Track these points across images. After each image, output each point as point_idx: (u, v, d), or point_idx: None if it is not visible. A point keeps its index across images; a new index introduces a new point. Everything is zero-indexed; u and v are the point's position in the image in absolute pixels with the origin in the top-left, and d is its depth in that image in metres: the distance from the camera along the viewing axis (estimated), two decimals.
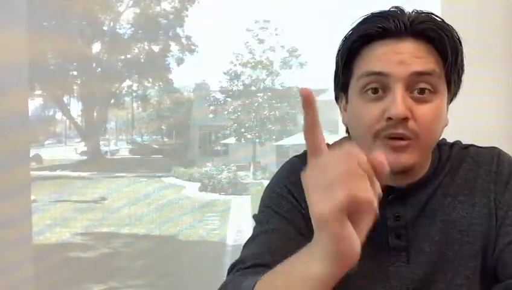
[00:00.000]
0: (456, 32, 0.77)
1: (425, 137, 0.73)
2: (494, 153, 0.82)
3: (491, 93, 1.84)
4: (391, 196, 0.79)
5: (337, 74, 0.81)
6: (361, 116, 0.75)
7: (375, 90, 0.73)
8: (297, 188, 0.78)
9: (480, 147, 0.84)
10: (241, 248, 0.81)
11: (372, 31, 0.74)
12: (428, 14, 0.75)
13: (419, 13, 0.75)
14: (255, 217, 0.84)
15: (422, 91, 0.73)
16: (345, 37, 0.79)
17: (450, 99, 0.81)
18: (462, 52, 0.77)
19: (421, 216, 0.79)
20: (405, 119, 0.71)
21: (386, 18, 0.74)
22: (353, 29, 0.77)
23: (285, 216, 0.79)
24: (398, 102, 0.70)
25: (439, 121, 0.76)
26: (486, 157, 0.81)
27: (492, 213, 0.77)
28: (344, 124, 0.83)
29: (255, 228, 0.82)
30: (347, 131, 0.83)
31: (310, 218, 0.54)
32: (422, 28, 0.73)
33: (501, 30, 1.82)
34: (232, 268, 0.75)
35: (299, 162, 0.70)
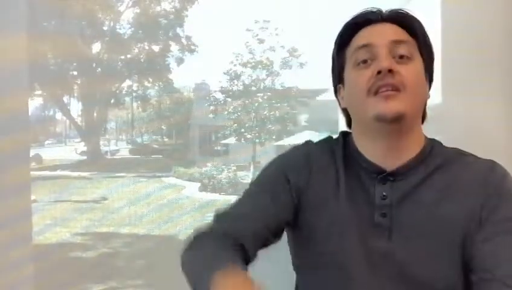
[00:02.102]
0: (424, 27, 0.94)
1: (411, 88, 0.86)
2: (489, 163, 0.89)
3: (490, 94, 1.84)
4: (380, 176, 0.89)
5: (334, 65, 0.98)
6: (356, 81, 0.90)
7: (364, 61, 0.89)
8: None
9: (479, 158, 0.91)
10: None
11: (359, 20, 0.93)
12: (403, 10, 0.94)
13: (395, 10, 0.94)
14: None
15: (401, 57, 0.88)
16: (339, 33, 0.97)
17: (429, 79, 0.93)
18: (429, 39, 0.94)
19: (406, 200, 0.87)
20: (391, 72, 0.85)
21: (369, 12, 0.94)
22: (345, 25, 0.96)
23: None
24: (383, 57, 0.86)
25: (420, 80, 0.89)
26: (481, 165, 0.89)
27: (475, 215, 0.84)
28: (342, 108, 0.97)
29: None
30: (344, 112, 0.97)
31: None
32: (396, 15, 0.93)
33: (500, 30, 1.82)
34: (217, 219, 0.91)
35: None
